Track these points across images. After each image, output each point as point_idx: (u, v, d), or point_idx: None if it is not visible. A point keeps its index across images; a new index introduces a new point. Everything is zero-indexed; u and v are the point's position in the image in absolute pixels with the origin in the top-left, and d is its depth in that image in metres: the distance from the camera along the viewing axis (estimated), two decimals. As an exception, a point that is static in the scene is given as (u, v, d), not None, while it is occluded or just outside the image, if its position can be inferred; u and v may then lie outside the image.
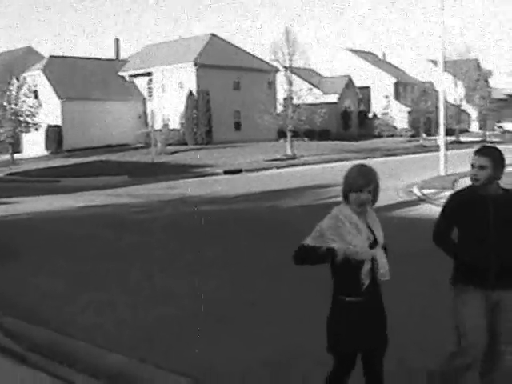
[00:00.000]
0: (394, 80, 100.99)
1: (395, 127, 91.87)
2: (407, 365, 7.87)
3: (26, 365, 8.07)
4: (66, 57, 75.85)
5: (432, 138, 71.69)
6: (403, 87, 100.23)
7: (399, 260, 14.45)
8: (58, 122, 67.31)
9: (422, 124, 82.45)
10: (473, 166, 6.30)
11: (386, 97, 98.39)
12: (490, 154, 6.28)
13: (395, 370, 7.03)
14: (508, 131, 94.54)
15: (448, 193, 27.31)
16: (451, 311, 6.46)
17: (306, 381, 7.73)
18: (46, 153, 66.23)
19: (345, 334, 5.99)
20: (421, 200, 26.21)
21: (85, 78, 71.02)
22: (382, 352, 6.16)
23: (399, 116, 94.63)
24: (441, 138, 36.99)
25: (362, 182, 6.04)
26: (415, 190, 28.80)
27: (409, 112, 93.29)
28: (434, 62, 56.70)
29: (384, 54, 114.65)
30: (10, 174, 49.76)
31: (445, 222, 6.54)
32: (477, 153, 6.33)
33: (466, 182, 23.58)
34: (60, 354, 8.32)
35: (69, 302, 11.74)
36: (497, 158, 6.26)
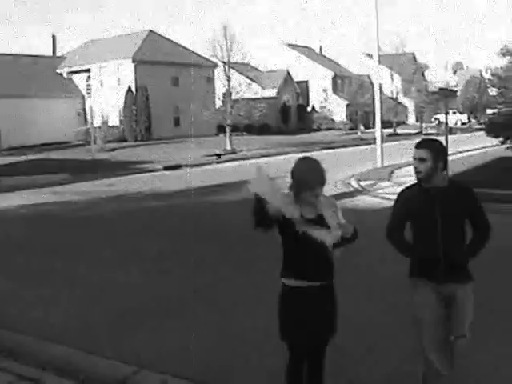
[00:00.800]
0: (331, 73, 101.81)
1: (333, 120, 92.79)
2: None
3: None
4: (2, 54, 74.77)
5: (370, 130, 72.60)
6: (341, 81, 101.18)
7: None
8: (-5, 121, 66.49)
9: (360, 117, 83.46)
10: (414, 159, 6.31)
11: (324, 90, 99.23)
12: (428, 146, 6.27)
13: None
14: (443, 123, 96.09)
15: (384, 183, 28.11)
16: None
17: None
18: (-17, 152, 65.43)
19: (294, 325, 6.04)
20: (358, 191, 26.78)
21: (22, 76, 70.14)
22: (326, 342, 6.25)
23: (337, 109, 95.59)
24: (377, 131, 37.62)
25: (317, 182, 6.07)
26: (353, 182, 29.35)
27: (347, 105, 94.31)
28: (371, 56, 57.37)
29: (321, 48, 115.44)
30: None
31: (395, 219, 6.55)
32: (416, 146, 6.33)
33: (401, 173, 24.27)
34: (6, 348, 8.58)
35: (10, 298, 11.92)
36: (436, 150, 6.24)
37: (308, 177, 6.07)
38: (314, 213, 6.07)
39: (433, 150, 6.21)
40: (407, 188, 6.62)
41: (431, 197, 6.22)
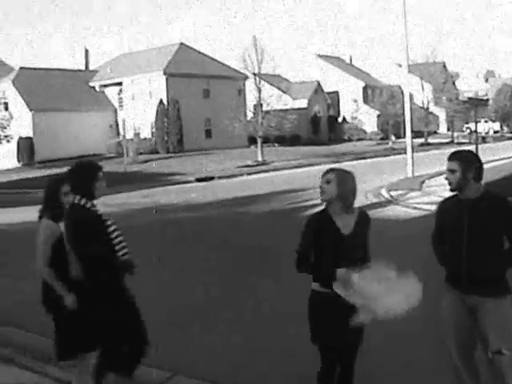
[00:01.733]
0: (362, 84, 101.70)
1: (365, 131, 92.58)
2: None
3: (14, 365, 8.62)
4: (36, 68, 75.68)
5: (401, 140, 72.39)
6: (371, 91, 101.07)
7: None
8: (30, 134, 67.06)
9: (391, 127, 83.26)
10: (446, 170, 6.27)
11: (355, 101, 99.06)
12: (458, 157, 6.22)
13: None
14: (474, 132, 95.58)
15: (414, 194, 28.11)
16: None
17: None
18: (18, 165, 66.06)
19: (325, 327, 6.18)
20: (389, 202, 26.78)
21: (55, 89, 70.91)
22: (357, 346, 6.33)
23: (368, 120, 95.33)
24: (408, 141, 37.65)
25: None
26: (383, 192, 29.35)
27: (378, 115, 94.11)
28: (401, 66, 57.45)
29: (351, 59, 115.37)
30: (-17, 187, 49.75)
31: (436, 229, 6.57)
32: (448, 158, 6.28)
33: (432, 183, 24.21)
34: (45, 355, 8.84)
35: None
36: (466, 161, 6.18)
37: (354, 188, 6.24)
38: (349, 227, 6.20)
39: (462, 161, 6.17)
40: (447, 199, 6.58)
41: (462, 208, 6.19)
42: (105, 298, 6.56)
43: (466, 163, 6.17)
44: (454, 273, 6.27)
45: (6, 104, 64.60)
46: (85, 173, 6.75)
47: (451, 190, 6.31)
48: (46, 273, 6.96)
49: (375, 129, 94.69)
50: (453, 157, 6.26)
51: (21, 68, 74.45)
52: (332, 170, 6.26)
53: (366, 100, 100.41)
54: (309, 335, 6.25)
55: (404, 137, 42.76)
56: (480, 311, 6.16)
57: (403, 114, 44.13)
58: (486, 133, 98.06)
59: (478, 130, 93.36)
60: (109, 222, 6.63)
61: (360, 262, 6.02)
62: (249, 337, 9.84)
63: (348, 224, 6.14)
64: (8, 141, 62.21)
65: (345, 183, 6.12)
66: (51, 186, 7.22)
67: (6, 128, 61.16)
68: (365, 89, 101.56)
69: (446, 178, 6.27)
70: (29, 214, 28.94)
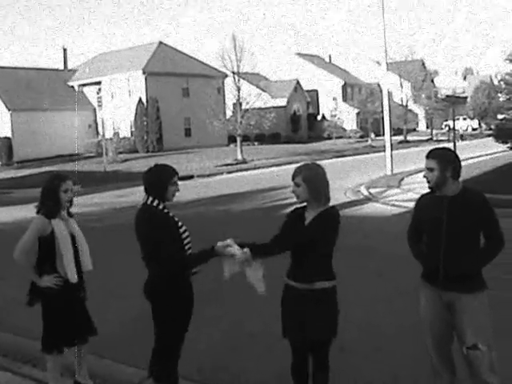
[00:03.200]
0: (341, 82, 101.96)
1: (344, 129, 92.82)
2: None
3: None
4: (13, 68, 75.39)
5: (380, 138, 72.67)
6: (351, 89, 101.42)
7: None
8: (8, 134, 66.89)
9: (370, 125, 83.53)
10: (425, 168, 6.32)
11: (334, 99, 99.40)
12: (436, 155, 6.26)
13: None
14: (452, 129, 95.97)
15: (393, 191, 28.27)
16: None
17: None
18: (-4, 165, 65.89)
19: (286, 323, 6.41)
20: (368, 199, 26.91)
21: (34, 89, 70.70)
22: (323, 341, 6.34)
23: (347, 117, 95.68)
24: (387, 138, 37.78)
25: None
26: (362, 190, 29.49)
27: (357, 113, 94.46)
28: (380, 63, 57.64)
29: (330, 57, 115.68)
30: (-39, 188, 49.53)
31: (411, 224, 6.68)
32: (426, 156, 6.32)
33: (411, 180, 24.43)
34: (24, 356, 8.84)
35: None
36: (444, 159, 6.23)
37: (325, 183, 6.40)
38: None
39: (440, 160, 6.20)
40: (424, 195, 6.63)
41: (440, 205, 6.23)
42: (180, 295, 6.74)
43: (444, 161, 6.21)
44: (432, 269, 6.31)
45: (-17, 104, 64.34)
46: (162, 175, 7.05)
47: (430, 188, 6.35)
48: (22, 261, 7.29)
49: (354, 126, 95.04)
50: (431, 155, 6.30)
51: (-2, 67, 74.18)
52: (299, 171, 6.44)
53: (345, 98, 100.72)
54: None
55: (383, 134, 42.95)
56: (456, 307, 6.21)
57: (382, 111, 44.29)
58: (465, 130, 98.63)
59: (457, 128, 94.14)
60: (180, 223, 6.88)
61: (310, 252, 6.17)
62: (227, 331, 9.88)
63: (310, 217, 6.40)
64: (-14, 141, 61.98)
65: (313, 184, 6.34)
66: (50, 182, 7.30)
67: (-16, 128, 60.92)
68: (344, 87, 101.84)
69: (425, 176, 6.31)
70: (6, 214, 28.95)
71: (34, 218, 7.27)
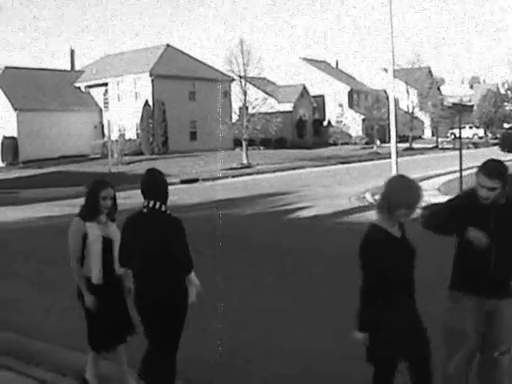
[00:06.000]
0: (347, 88, 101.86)
1: (350, 135, 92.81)
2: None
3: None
4: (21, 68, 75.44)
5: (386, 145, 72.62)
6: (357, 95, 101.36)
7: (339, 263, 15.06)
8: (14, 134, 66.93)
9: (376, 131, 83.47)
10: (482, 186, 6.11)
11: (340, 105, 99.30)
12: (499, 174, 6.07)
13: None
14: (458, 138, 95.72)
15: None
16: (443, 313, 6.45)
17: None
18: (1, 164, 65.89)
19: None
20: (372, 205, 26.81)
21: (40, 89, 70.76)
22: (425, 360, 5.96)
23: (353, 124, 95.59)
24: (392, 145, 37.71)
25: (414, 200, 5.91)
26: (367, 196, 29.46)
27: (363, 120, 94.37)
28: (386, 70, 57.59)
29: (337, 63, 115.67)
30: (-35, 187, 49.66)
31: (444, 209, 6.52)
32: (487, 174, 6.06)
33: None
34: (28, 355, 8.87)
35: (25, 304, 12.28)
36: (505, 176, 6.10)
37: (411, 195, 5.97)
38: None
39: (502, 178, 6.06)
40: (466, 194, 6.54)
41: (487, 212, 6.12)
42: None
43: (505, 178, 6.11)
44: (475, 275, 6.21)
45: (-11, 103, 64.43)
46: (165, 180, 7.17)
47: (483, 203, 6.19)
48: (75, 269, 7.46)
49: (360, 133, 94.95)
50: (494, 174, 6.07)
51: (6, 67, 74.14)
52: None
53: (351, 104, 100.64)
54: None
55: (389, 141, 42.91)
56: (495, 313, 6.21)
57: (388, 118, 44.27)
58: (470, 138, 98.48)
59: (463, 136, 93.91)
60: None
61: None
62: (229, 336, 9.88)
63: None
64: (-8, 140, 62.10)
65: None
66: (92, 187, 7.61)
67: (-11, 127, 61.03)
68: (350, 93, 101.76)
69: (483, 196, 6.13)
70: (11, 214, 28.99)
71: (73, 220, 7.51)
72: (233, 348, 9.37)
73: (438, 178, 36.67)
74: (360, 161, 61.23)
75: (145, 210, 6.89)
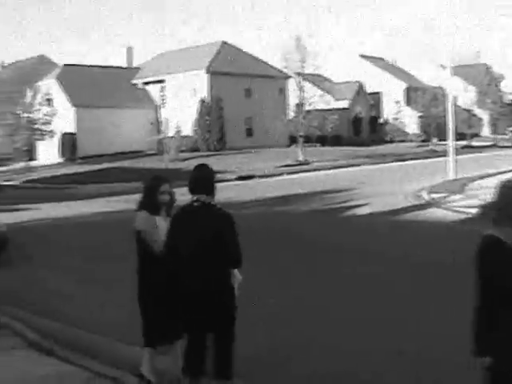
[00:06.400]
0: (404, 85, 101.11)
1: (406, 132, 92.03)
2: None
3: (54, 357, 8.76)
4: (79, 65, 76.43)
5: (443, 142, 71.76)
6: (414, 92, 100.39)
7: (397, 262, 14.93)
8: (72, 130, 67.77)
9: (433, 129, 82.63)
10: None
11: (397, 102, 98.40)
12: None
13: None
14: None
15: (456, 197, 27.82)
16: None
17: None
18: (60, 160, 66.71)
19: None
20: (429, 204, 26.57)
21: (98, 86, 71.46)
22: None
23: (410, 121, 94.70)
24: (450, 143, 37.39)
25: None
26: (424, 195, 29.15)
27: (420, 117, 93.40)
28: (444, 67, 57.10)
29: (394, 60, 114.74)
30: (26, 182, 50.51)
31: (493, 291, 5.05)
32: None
33: (475, 186, 23.90)
34: (85, 348, 8.98)
35: (81, 299, 12.44)
36: None
37: None
38: None
39: None
40: (493, 244, 5.06)
41: None
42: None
43: None
44: None
45: (49, 100, 65.18)
46: (213, 176, 7.24)
47: None
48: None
49: (417, 130, 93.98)
50: None
51: (65, 65, 75.30)
52: None
53: (408, 101, 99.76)
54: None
55: (446, 139, 42.45)
56: None
57: (446, 115, 43.83)
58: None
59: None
60: None
61: None
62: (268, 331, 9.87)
63: None
64: (51, 136, 62.85)
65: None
66: (150, 183, 7.69)
67: (49, 124, 61.78)
68: (407, 90, 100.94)
69: None
70: (68, 208, 29.36)
71: (140, 214, 7.51)
72: (284, 344, 9.37)
73: (501, 176, 36.02)
74: (416, 158, 60.73)
75: (196, 204, 6.93)
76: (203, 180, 7.10)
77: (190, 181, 7.12)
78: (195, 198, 6.98)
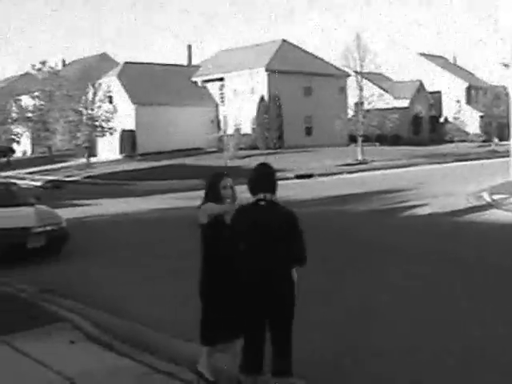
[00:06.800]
0: (465, 84, 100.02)
1: (467, 132, 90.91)
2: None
3: (112, 351, 8.86)
4: (139, 63, 77.12)
5: (504, 143, 70.88)
6: (475, 91, 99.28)
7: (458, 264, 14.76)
8: (132, 127, 68.44)
9: (494, 129, 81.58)
10: None
11: (458, 101, 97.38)
12: None
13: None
14: None
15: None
16: None
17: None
18: (120, 156, 67.44)
19: None
20: (490, 205, 26.21)
21: (158, 84, 71.97)
22: None
23: (471, 121, 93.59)
24: (511, 143, 36.86)
25: None
26: (485, 195, 28.76)
27: (481, 117, 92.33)
28: (507, 66, 56.27)
29: (455, 58, 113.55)
30: (87, 177, 51.19)
31: None
32: None
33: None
34: (143, 343, 9.06)
35: (138, 295, 12.56)
36: None
37: None
38: None
39: None
40: None
41: None
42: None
43: None
44: None
45: (110, 97, 65.86)
46: (274, 174, 7.27)
47: None
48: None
49: (478, 130, 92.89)
50: None
51: (125, 63, 76.12)
52: None
53: (469, 100, 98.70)
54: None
55: (508, 139, 41.87)
56: None
57: (508, 115, 43.21)
58: None
59: None
60: None
61: None
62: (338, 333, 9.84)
63: None
64: (111, 133, 63.53)
65: None
66: (212, 178, 7.78)
67: (109, 121, 62.48)
68: (468, 89, 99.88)
69: None
70: (127, 204, 29.64)
71: (204, 206, 7.55)
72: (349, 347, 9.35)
73: None
74: (477, 159, 60.04)
75: (262, 203, 6.94)
76: (267, 178, 7.14)
77: (252, 179, 7.15)
78: (261, 195, 6.99)
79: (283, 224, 6.84)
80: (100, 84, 64.00)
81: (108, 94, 64.52)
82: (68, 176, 53.87)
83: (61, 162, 68.80)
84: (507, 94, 63.58)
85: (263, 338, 6.99)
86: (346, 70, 63.77)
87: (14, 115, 75.63)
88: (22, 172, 61.41)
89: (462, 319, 10.40)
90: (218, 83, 76.31)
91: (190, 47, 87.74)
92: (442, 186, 33.44)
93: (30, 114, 74.44)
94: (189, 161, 56.89)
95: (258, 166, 7.34)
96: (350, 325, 10.35)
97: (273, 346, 6.96)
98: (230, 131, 62.60)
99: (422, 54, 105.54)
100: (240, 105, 71.98)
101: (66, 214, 19.92)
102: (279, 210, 6.97)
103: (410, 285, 12.89)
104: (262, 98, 68.18)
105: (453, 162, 55.64)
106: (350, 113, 67.72)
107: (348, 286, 12.98)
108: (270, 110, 67.21)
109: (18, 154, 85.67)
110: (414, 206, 25.76)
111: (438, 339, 9.41)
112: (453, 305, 11.26)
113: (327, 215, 24.72)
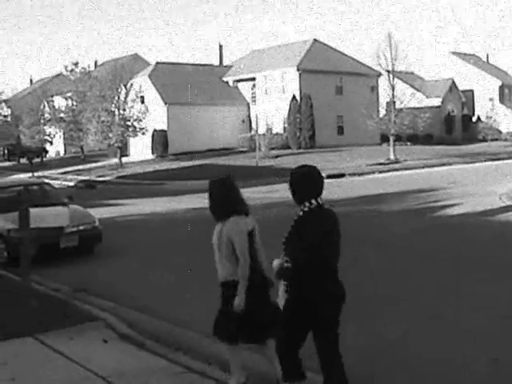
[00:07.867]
0: (498, 83, 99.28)
1: (500, 131, 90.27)
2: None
3: (145, 350, 8.92)
4: (171, 63, 77.45)
5: (538, 142, 70.42)
6: (508, 90, 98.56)
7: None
8: (164, 127, 68.67)
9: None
10: None
11: (491, 100, 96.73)
12: None
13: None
14: None
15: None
16: None
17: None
18: (152, 156, 67.70)
19: None
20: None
21: (190, 83, 72.10)
22: None
23: (504, 120, 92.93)
24: (546, 143, 36.52)
25: None
26: (519, 196, 28.50)
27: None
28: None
29: (488, 56, 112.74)
30: (119, 177, 51.46)
31: None
32: None
33: None
34: (175, 343, 9.11)
35: (170, 294, 12.60)
36: None
37: None
38: None
39: None
40: None
41: None
42: None
43: None
44: None
45: (142, 97, 66.10)
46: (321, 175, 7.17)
47: None
48: (247, 264, 7.33)
49: (511, 129, 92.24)
50: None
51: (157, 63, 76.47)
52: None
53: (502, 99, 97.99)
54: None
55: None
56: None
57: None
58: None
59: None
60: None
61: None
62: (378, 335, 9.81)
63: None
64: (143, 133, 63.76)
65: None
66: (221, 190, 8.12)
67: (141, 121, 62.72)
68: (501, 88, 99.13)
69: None
70: (157, 204, 29.71)
71: (229, 221, 7.69)
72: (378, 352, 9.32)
73: None
74: (510, 158, 59.54)
75: (326, 207, 6.90)
76: (322, 180, 7.02)
77: (302, 182, 6.91)
78: (319, 200, 6.85)
79: (339, 228, 6.81)
80: (132, 84, 64.24)
81: (140, 94, 64.75)
82: (100, 176, 54.21)
83: (93, 162, 69.31)
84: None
85: (303, 341, 6.84)
86: (378, 69, 63.48)
87: (47, 116, 76.36)
88: (55, 172, 61.91)
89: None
90: (250, 83, 76.38)
91: (221, 47, 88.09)
92: (475, 186, 33.20)
93: (62, 115, 74.89)
94: (220, 161, 57.00)
95: (304, 168, 7.10)
96: (392, 331, 10.30)
97: (324, 354, 6.78)
98: (262, 131, 62.54)
99: (455, 53, 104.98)
100: (271, 104, 72.01)
101: (98, 213, 20.07)
102: (334, 214, 6.92)
103: (446, 288, 12.83)
104: (293, 98, 68.10)
105: (486, 161, 55.19)
106: (382, 112, 67.50)
107: (381, 286, 12.92)
108: (301, 110, 67.12)
109: (52, 155, 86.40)
110: (447, 206, 25.56)
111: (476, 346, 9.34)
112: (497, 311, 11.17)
113: (359, 215, 24.61)
